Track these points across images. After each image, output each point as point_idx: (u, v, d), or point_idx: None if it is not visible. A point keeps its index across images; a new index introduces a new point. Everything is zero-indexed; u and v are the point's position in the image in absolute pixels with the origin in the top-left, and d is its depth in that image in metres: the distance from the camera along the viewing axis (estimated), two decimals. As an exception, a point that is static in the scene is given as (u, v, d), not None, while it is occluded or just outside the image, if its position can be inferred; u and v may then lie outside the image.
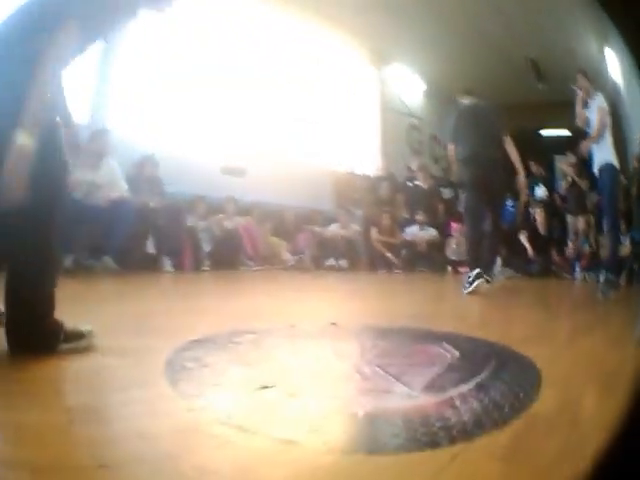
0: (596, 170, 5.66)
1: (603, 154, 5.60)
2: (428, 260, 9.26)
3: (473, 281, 5.06)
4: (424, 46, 10.98)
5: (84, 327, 2.10)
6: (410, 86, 12.77)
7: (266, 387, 1.69)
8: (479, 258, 5.36)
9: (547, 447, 1.28)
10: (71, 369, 1.86)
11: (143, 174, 6.70)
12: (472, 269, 5.20)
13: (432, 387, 1.79)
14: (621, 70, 8.50)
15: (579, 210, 9.36)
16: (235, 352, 2.17)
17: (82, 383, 1.71)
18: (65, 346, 2.00)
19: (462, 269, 8.87)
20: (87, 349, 2.06)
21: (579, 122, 5.88)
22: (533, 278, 8.39)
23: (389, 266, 8.89)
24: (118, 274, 5.39)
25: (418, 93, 13.14)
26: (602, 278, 6.09)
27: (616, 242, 5.81)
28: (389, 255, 8.98)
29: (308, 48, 10.23)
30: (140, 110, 7.45)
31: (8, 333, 1.93)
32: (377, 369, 1.98)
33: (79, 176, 5.33)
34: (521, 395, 1.71)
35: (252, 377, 1.81)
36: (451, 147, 5.86)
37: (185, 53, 7.97)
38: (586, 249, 8.85)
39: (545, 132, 14.14)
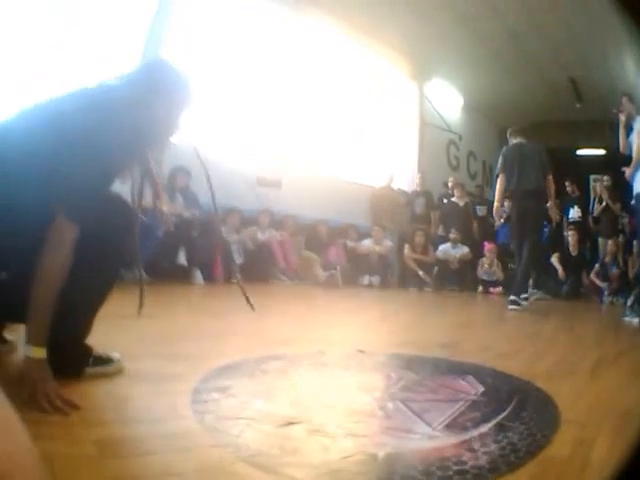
0: (634, 194, 5.61)
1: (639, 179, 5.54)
2: (459, 278, 9.28)
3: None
4: (465, 63, 10.98)
5: (114, 354, 2.13)
6: (449, 102, 12.75)
7: (290, 423, 1.70)
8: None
9: None
10: (98, 397, 1.88)
11: (176, 185, 6.76)
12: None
13: (453, 427, 1.79)
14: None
15: (611, 233, 9.32)
16: (261, 383, 2.18)
17: (110, 413, 1.72)
18: (92, 370, 2.01)
19: (493, 289, 8.90)
20: (115, 374, 2.07)
21: (622, 148, 5.84)
22: (562, 300, 8.30)
23: (420, 284, 8.87)
24: (149, 285, 5.44)
25: (457, 109, 13.11)
26: (630, 302, 6.06)
27: None
28: (421, 273, 8.96)
29: (350, 62, 10.27)
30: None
31: None
32: (400, 405, 1.99)
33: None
34: (538, 436, 1.71)
35: (277, 412, 1.81)
36: (502, 176, 6.59)
37: (224, 62, 8.03)
38: (615, 272, 8.78)
39: (581, 151, 14.04)
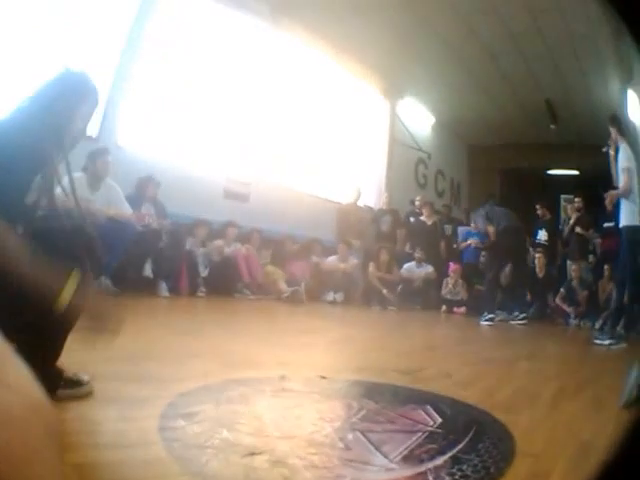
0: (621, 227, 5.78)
1: (627, 212, 5.70)
2: (423, 297, 9.41)
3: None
4: (438, 82, 11.13)
5: (83, 376, 2.17)
6: (420, 121, 12.87)
7: (253, 454, 1.78)
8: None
9: None
10: (71, 421, 1.91)
11: (144, 195, 6.78)
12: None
13: (410, 459, 1.86)
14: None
15: (579, 256, 9.44)
16: (226, 410, 2.25)
17: (84, 437, 1.78)
18: (64, 393, 2.04)
19: (457, 309, 9.06)
20: (85, 396, 2.12)
21: (614, 182, 5.94)
22: (528, 323, 8.44)
23: (384, 302, 8.96)
24: (114, 297, 5.44)
25: (427, 128, 13.24)
26: (598, 325, 6.21)
27: (621, 296, 5.95)
28: (385, 292, 9.05)
29: (320, 77, 10.34)
30: (145, 130, 7.55)
31: None
32: (360, 436, 2.06)
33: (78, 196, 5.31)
34: (492, 470, 1.78)
35: (241, 441, 1.88)
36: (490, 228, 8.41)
37: (191, 75, 8.06)
38: (583, 295, 8.88)
39: (553, 171, 14.17)
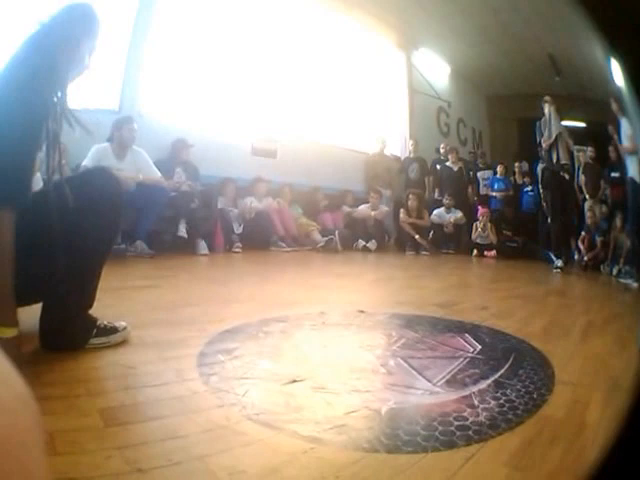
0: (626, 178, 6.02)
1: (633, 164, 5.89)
2: (454, 242, 9.43)
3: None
4: (450, 34, 11.01)
5: (119, 323, 2.13)
6: (437, 71, 12.69)
7: (294, 381, 1.75)
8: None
9: (551, 454, 1.31)
10: (103, 366, 1.89)
11: (176, 158, 6.75)
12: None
13: (453, 383, 1.84)
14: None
15: (594, 194, 9.29)
16: (265, 344, 2.22)
17: (115, 381, 1.75)
18: (97, 341, 2.03)
19: (487, 253, 9.02)
20: (120, 343, 2.09)
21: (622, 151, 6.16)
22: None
23: (417, 248, 8.92)
24: (151, 259, 5.46)
25: (444, 78, 13.04)
26: (615, 271, 6.25)
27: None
28: (417, 237, 9.01)
29: (339, 34, 10.20)
30: (171, 94, 7.51)
31: (42, 327, 1.95)
32: (401, 362, 2.03)
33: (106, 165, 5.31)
34: (535, 395, 1.75)
35: (281, 371, 1.86)
36: None
37: (214, 35, 7.98)
38: (600, 240, 8.74)
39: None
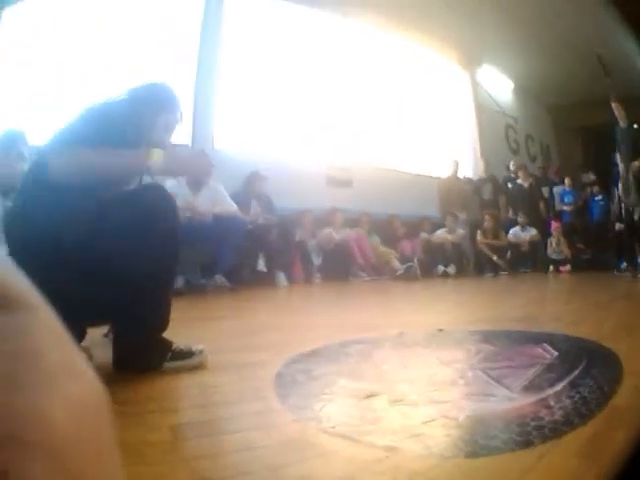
0: None
1: None
2: (531, 260, 9.39)
3: None
4: (507, 48, 10.94)
5: (195, 347, 2.14)
6: (500, 87, 12.59)
7: (372, 395, 1.72)
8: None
9: (616, 439, 1.27)
10: (179, 387, 1.92)
11: (251, 191, 6.85)
12: None
13: (530, 388, 1.81)
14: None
15: None
16: (344, 363, 2.21)
17: (189, 400, 1.77)
18: (171, 364, 2.05)
19: (562, 268, 8.86)
20: (196, 368, 2.09)
21: None
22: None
23: (495, 269, 8.83)
24: (231, 292, 5.54)
25: (508, 93, 12.92)
26: None
27: None
28: (495, 258, 8.91)
29: (405, 59, 10.28)
30: (243, 127, 7.68)
31: (116, 350, 2.01)
32: (480, 373, 1.99)
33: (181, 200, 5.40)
34: (606, 389, 1.75)
35: (359, 387, 1.83)
36: None
37: (288, 68, 8.17)
38: None
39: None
